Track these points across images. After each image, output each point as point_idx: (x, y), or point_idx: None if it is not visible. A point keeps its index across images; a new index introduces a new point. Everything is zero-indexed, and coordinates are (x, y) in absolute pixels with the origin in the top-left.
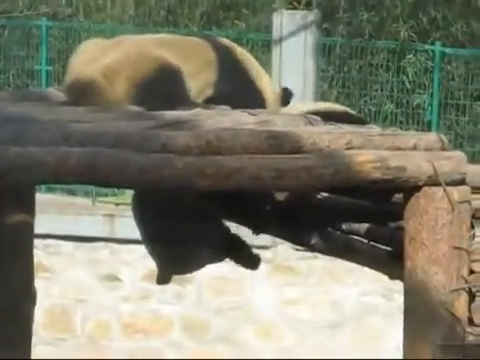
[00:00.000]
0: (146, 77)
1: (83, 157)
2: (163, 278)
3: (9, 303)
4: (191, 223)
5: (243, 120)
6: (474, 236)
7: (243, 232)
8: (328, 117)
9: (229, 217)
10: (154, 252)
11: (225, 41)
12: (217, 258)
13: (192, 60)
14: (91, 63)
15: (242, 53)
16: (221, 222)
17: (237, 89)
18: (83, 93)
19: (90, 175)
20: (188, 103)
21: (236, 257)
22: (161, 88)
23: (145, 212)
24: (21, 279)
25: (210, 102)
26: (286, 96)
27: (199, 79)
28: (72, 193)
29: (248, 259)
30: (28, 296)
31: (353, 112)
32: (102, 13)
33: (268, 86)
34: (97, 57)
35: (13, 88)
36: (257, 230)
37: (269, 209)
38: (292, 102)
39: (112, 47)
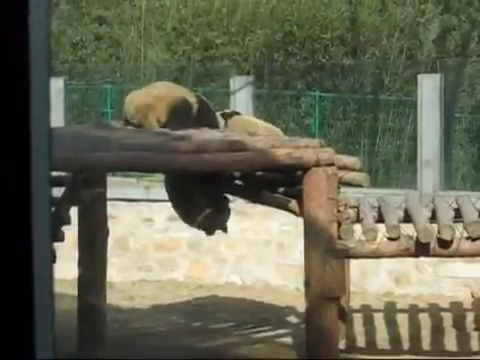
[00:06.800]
0: (175, 104)
1: (130, 157)
2: (209, 232)
3: (94, 235)
4: (200, 192)
5: (216, 134)
6: (339, 192)
7: None
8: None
9: (216, 189)
10: (187, 217)
11: (201, 96)
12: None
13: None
14: (144, 96)
15: (208, 103)
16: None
17: (209, 121)
18: (146, 111)
19: (134, 166)
20: (191, 126)
21: (216, 217)
22: (181, 114)
23: (174, 187)
24: (100, 222)
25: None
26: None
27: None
28: (126, 175)
29: (217, 222)
30: (104, 231)
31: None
32: (139, 79)
33: (221, 120)
34: (146, 93)
35: (91, 122)
36: (229, 193)
37: (233, 182)
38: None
39: (151, 88)
